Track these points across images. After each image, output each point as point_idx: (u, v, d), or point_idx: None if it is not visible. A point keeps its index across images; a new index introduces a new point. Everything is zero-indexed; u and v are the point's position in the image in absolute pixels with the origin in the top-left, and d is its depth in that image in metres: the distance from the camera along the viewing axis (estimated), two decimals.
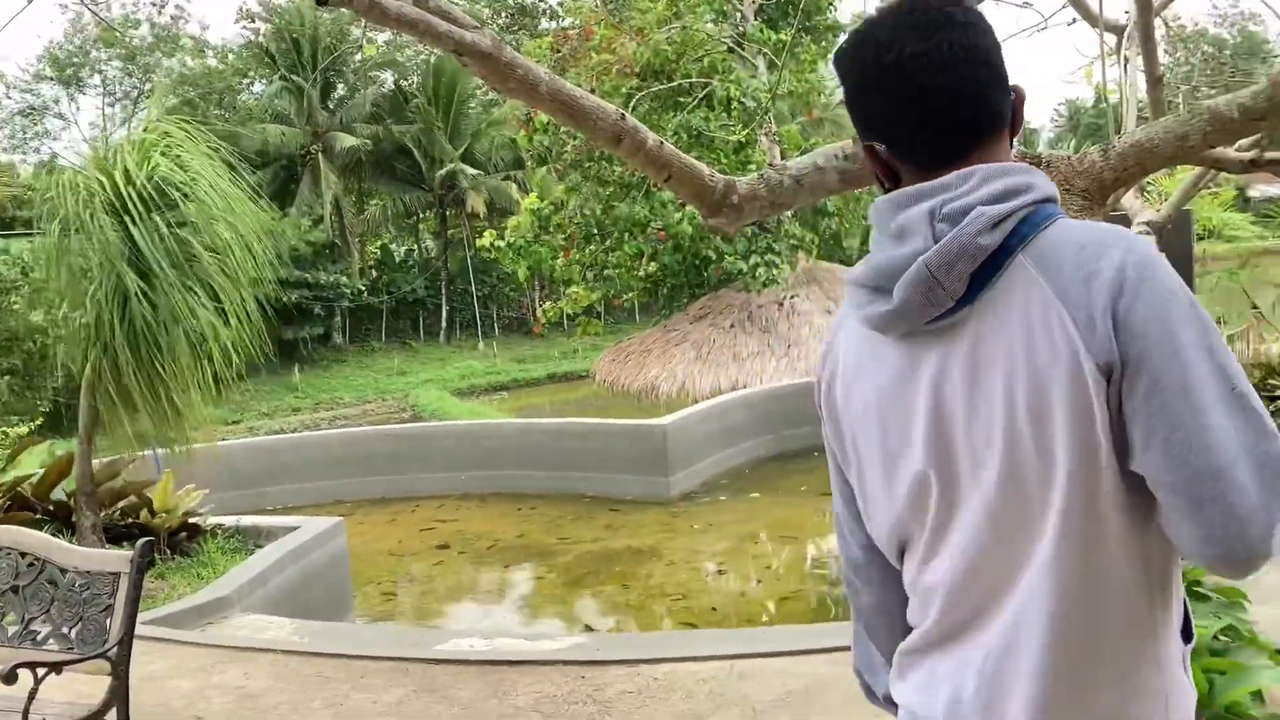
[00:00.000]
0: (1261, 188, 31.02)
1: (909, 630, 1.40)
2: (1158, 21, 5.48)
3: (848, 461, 1.40)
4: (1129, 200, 5.41)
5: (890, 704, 1.48)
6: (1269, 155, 4.59)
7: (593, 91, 14.50)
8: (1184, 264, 5.87)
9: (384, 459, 11.09)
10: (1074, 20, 6.51)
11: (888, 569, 1.42)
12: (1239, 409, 1.12)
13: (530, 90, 3.44)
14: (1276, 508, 1.11)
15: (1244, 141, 4.59)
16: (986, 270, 1.20)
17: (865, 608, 1.48)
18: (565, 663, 4.62)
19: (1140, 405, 1.13)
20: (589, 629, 7.07)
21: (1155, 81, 4.27)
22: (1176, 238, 5.83)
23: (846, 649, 4.46)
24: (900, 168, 1.32)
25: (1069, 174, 3.55)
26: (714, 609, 7.19)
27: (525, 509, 10.13)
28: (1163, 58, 5.66)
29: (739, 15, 16.92)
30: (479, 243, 20.03)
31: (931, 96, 1.26)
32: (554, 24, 34.86)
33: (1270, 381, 7.30)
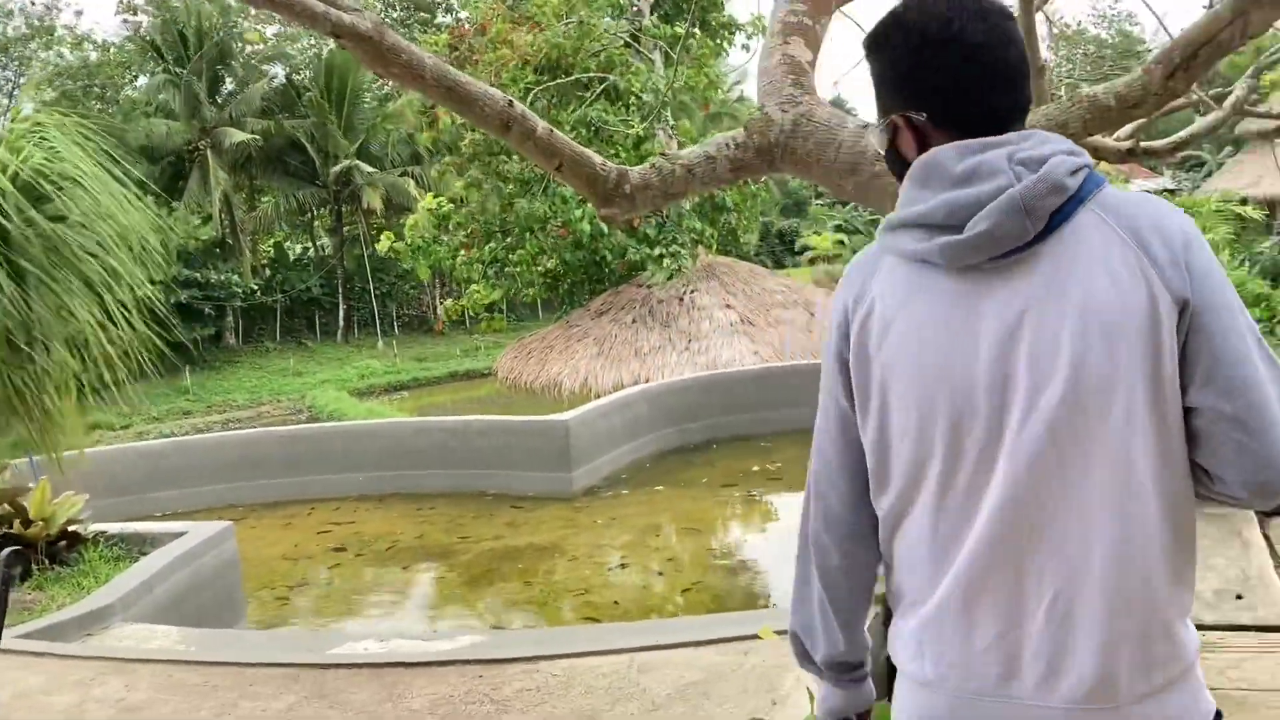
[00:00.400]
0: (1139, 182, 32.27)
1: (868, 594, 1.47)
2: (1040, 18, 5.61)
3: (866, 406, 1.39)
4: None
5: (834, 669, 1.51)
6: (1144, 145, 4.75)
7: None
8: None
9: (278, 461, 10.79)
10: None
11: (868, 528, 1.44)
12: (1266, 356, 1.28)
13: (415, 76, 3.36)
14: None
15: (1122, 132, 4.74)
16: (1060, 212, 1.28)
17: (833, 568, 1.47)
18: (463, 662, 4.54)
19: (1206, 342, 1.26)
20: (491, 627, 6.98)
21: (1038, 72, 4.37)
22: None
23: (745, 638, 4.46)
24: (936, 138, 1.37)
25: None
26: (616, 603, 7.15)
27: (425, 509, 9.96)
28: (1046, 55, 5.81)
29: (635, 9, 16.92)
30: (378, 245, 19.70)
31: (987, 74, 1.35)
32: (450, 18, 34.48)
33: None
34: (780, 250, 44.81)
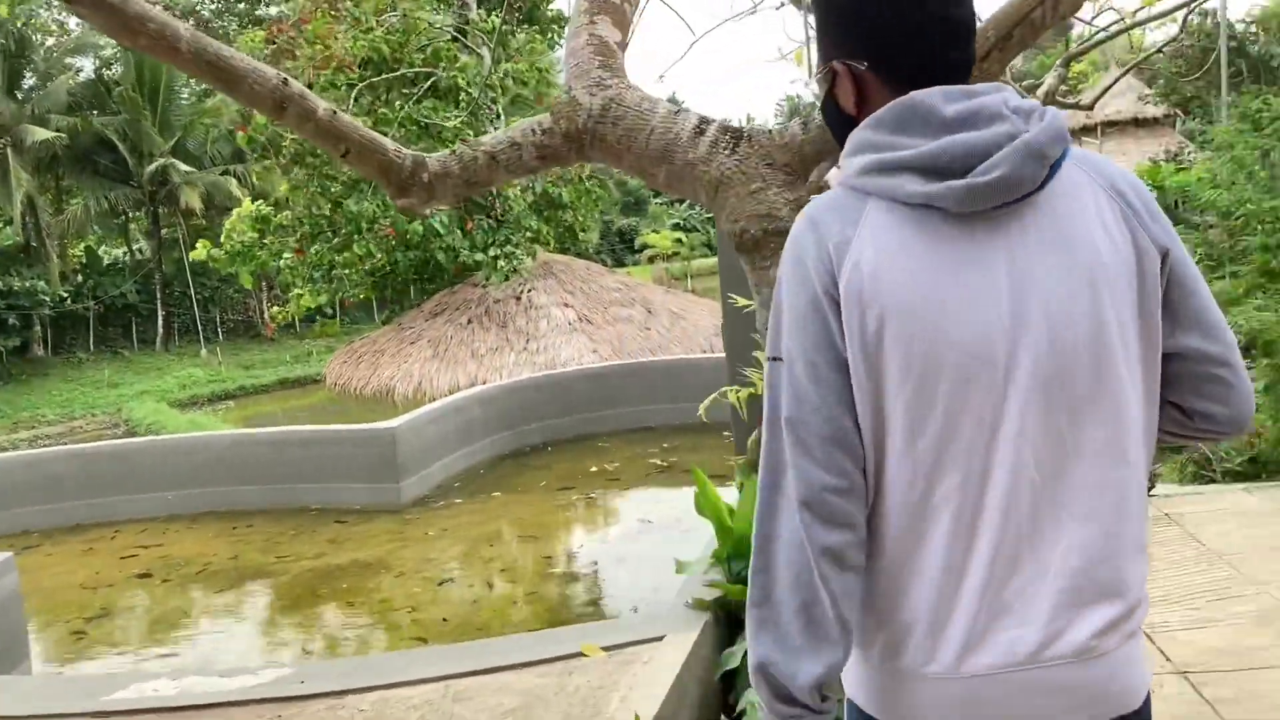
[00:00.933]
0: None
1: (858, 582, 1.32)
2: None
3: (866, 360, 1.27)
4: (833, 175, 5.47)
5: (816, 693, 1.27)
6: None
7: (310, 86, 13.72)
8: None
9: (77, 481, 9.94)
10: (782, 4, 6.57)
11: (863, 492, 1.31)
12: None
13: (168, 48, 2.95)
14: None
15: None
16: (1056, 163, 1.28)
17: (834, 547, 1.27)
18: (261, 701, 4.12)
19: (1187, 290, 1.33)
20: (308, 655, 6.52)
21: None
22: None
23: (569, 657, 4.16)
24: (875, 90, 1.34)
25: (770, 148, 3.41)
26: (445, 620, 6.78)
27: (240, 527, 9.32)
28: None
29: (461, 2, 16.48)
30: (193, 254, 18.71)
31: (936, 25, 1.31)
32: (274, 10, 33.11)
33: None
34: (620, 248, 44.91)
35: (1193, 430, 1.40)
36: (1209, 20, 19.00)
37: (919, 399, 1.25)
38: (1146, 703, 1.34)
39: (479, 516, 9.26)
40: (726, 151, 3.47)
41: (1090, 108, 7.53)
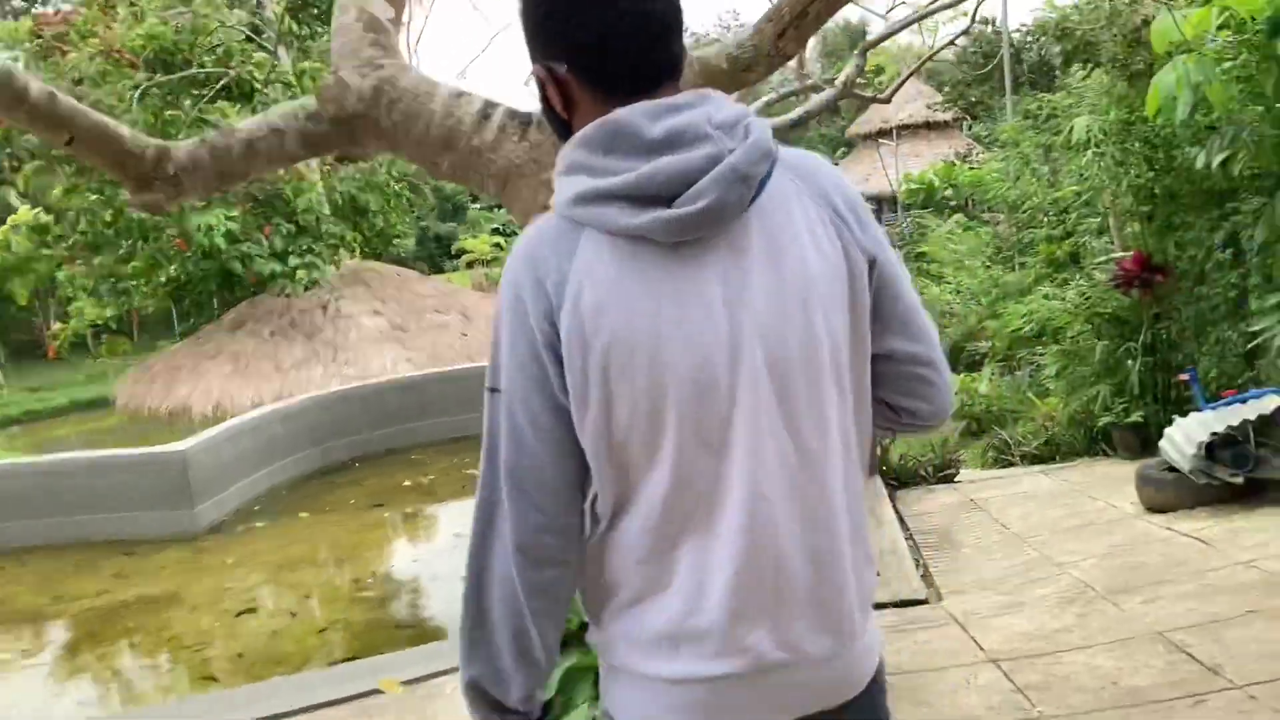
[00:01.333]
0: None
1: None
2: None
3: (585, 399, 1.25)
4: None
5: (531, 703, 1.35)
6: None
7: (79, 83, 12.69)
8: None
9: None
10: None
11: (579, 530, 1.32)
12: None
13: None
14: None
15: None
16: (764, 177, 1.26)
17: (547, 581, 1.31)
18: None
19: (895, 294, 1.36)
20: (81, 705, 5.91)
21: None
22: None
23: (364, 695, 3.81)
24: (579, 93, 1.30)
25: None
26: (240, 655, 6.25)
27: (12, 566, 8.43)
28: None
29: (256, 1, 15.67)
30: None
31: (634, 25, 1.26)
32: (50, 8, 30.89)
33: None
34: (439, 254, 44.06)
35: (898, 424, 1.46)
36: (989, 28, 20.20)
37: (650, 429, 1.25)
38: (876, 678, 1.41)
39: (282, 540, 8.70)
40: (515, 138, 3.23)
41: (888, 100, 7.74)
